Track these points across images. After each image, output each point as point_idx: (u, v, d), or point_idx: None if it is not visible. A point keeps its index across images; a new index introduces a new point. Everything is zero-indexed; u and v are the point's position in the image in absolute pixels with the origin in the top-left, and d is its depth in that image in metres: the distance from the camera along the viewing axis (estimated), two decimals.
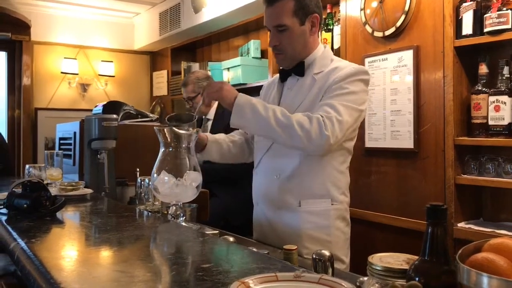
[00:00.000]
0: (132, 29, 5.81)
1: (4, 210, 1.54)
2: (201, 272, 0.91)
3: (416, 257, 0.85)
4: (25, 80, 5.17)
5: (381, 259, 1.03)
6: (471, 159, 2.26)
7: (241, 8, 3.82)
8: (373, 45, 2.69)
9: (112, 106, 2.83)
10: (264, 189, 1.75)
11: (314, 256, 1.10)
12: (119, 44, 5.74)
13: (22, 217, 1.47)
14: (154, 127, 1.49)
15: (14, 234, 1.25)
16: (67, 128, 2.97)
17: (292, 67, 1.71)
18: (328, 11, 3.08)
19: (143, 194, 1.87)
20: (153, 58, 5.95)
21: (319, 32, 3.03)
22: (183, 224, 1.48)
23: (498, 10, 2.09)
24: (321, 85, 1.63)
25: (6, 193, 1.60)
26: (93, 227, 1.45)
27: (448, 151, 2.29)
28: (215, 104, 3.04)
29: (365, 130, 2.70)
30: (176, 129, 1.46)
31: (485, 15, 2.14)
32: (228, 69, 4.14)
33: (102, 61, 5.56)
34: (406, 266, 0.96)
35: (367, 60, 2.69)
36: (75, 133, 2.77)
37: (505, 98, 2.10)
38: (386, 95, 2.60)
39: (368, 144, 2.69)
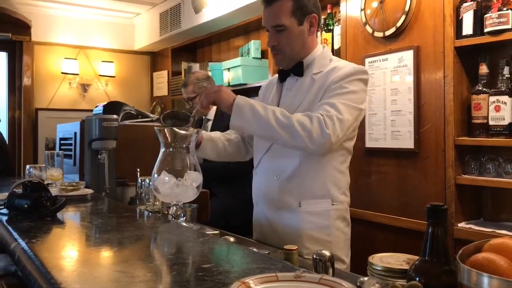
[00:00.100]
0: (132, 30, 5.81)
1: (5, 210, 1.55)
2: (201, 272, 0.91)
3: (417, 257, 0.85)
4: (26, 81, 5.17)
5: (381, 259, 1.03)
6: (471, 159, 2.26)
7: (241, 9, 3.82)
8: (373, 45, 2.69)
9: (112, 107, 2.82)
10: (264, 190, 1.75)
11: (314, 256, 1.10)
12: (119, 45, 5.75)
13: (22, 217, 1.47)
14: (155, 128, 1.49)
15: (15, 234, 1.25)
16: (68, 129, 2.97)
17: (291, 67, 1.71)
18: (329, 11, 3.08)
19: (143, 194, 1.87)
20: (153, 58, 5.95)
21: (320, 32, 3.06)
22: (184, 224, 1.48)
23: (498, 10, 2.09)
24: (320, 85, 1.63)
25: (6, 194, 1.60)
26: (93, 227, 1.45)
27: (448, 151, 2.29)
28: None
29: (365, 130, 2.70)
30: (177, 129, 1.46)
31: (485, 15, 2.14)
32: (228, 69, 4.14)
33: (102, 61, 5.56)
34: (406, 266, 0.96)
35: (367, 60, 2.69)
36: (75, 133, 2.77)
37: (505, 98, 2.10)
38: (386, 95, 2.60)
39: (369, 144, 2.69)
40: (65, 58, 5.33)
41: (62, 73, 5.33)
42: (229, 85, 4.13)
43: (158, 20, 5.16)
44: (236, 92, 4.43)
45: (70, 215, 1.62)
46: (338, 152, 1.66)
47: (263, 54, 4.07)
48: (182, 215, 1.50)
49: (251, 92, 3.86)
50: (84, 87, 5.51)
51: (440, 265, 0.80)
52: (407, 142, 2.49)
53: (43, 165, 2.31)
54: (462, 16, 2.24)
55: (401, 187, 2.54)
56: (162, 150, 1.47)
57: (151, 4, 5.21)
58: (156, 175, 1.43)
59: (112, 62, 5.60)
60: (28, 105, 5.20)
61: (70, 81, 5.41)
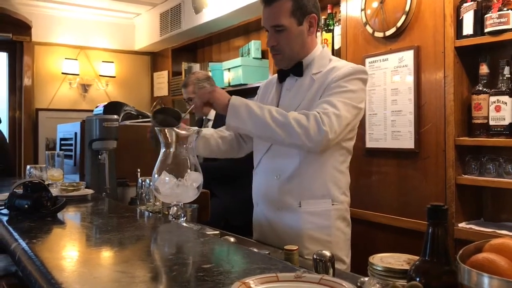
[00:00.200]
0: (132, 30, 5.82)
1: (5, 211, 1.55)
2: (202, 273, 0.91)
3: (417, 257, 0.86)
4: (26, 81, 5.18)
5: (382, 260, 1.03)
6: (471, 159, 2.26)
7: (241, 9, 3.82)
8: (373, 46, 2.69)
9: (113, 107, 2.83)
10: (264, 190, 1.75)
11: (315, 257, 1.10)
12: (119, 45, 5.75)
13: (23, 218, 1.47)
14: (155, 128, 1.49)
15: (15, 234, 1.25)
16: (68, 129, 2.98)
17: (291, 68, 1.71)
18: (329, 11, 3.08)
19: (144, 195, 1.87)
20: (153, 58, 5.96)
21: (320, 33, 3.06)
22: (184, 224, 1.48)
23: (498, 10, 2.09)
24: (320, 85, 1.63)
25: (7, 194, 1.60)
26: (94, 227, 1.45)
27: (448, 151, 2.29)
28: None
29: (365, 130, 2.70)
30: (177, 130, 1.46)
31: (485, 15, 2.14)
32: (228, 69, 4.14)
33: (103, 61, 5.56)
34: (406, 267, 0.96)
35: (367, 60, 2.69)
36: (76, 133, 2.77)
37: (505, 98, 2.10)
38: (386, 96, 2.60)
39: (369, 144, 2.69)
40: (65, 58, 5.33)
41: (63, 73, 5.33)
42: (229, 85, 4.13)
43: (158, 20, 5.16)
44: (237, 92, 4.45)
45: (71, 216, 1.62)
46: (338, 152, 1.66)
47: (264, 54, 4.07)
48: (183, 215, 1.50)
49: (252, 92, 3.86)
50: (85, 87, 5.52)
51: (440, 265, 0.80)
52: (407, 142, 2.49)
53: (44, 166, 2.31)
54: (462, 16, 2.24)
55: (401, 187, 2.54)
56: (162, 150, 1.47)
57: (152, 5, 5.22)
58: (156, 175, 1.43)
59: (112, 62, 5.60)
60: (28, 106, 5.21)
61: (71, 81, 5.41)
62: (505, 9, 2.08)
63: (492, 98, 2.13)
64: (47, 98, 5.32)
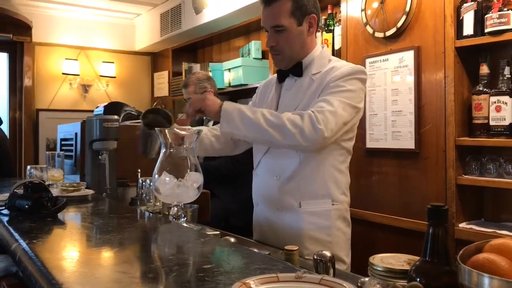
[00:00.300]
0: (133, 30, 5.82)
1: (6, 211, 1.55)
2: (202, 273, 0.91)
3: (417, 257, 0.86)
4: (27, 81, 5.18)
5: (382, 260, 1.03)
6: (472, 159, 2.26)
7: (242, 9, 3.82)
8: (374, 46, 2.69)
9: (113, 107, 2.83)
10: (264, 190, 1.75)
11: (315, 257, 1.10)
12: (120, 45, 5.75)
13: (23, 218, 1.47)
14: (156, 128, 1.49)
15: (16, 235, 1.25)
16: (68, 129, 2.98)
17: (290, 68, 1.71)
18: (329, 11, 3.08)
19: (144, 195, 1.87)
20: (154, 59, 5.96)
21: (320, 33, 3.06)
22: (184, 225, 1.48)
23: (499, 11, 2.09)
24: (319, 85, 1.63)
25: (7, 194, 1.60)
26: (94, 228, 1.45)
27: (449, 151, 2.29)
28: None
29: (366, 130, 2.70)
30: (177, 130, 1.46)
31: (486, 16, 2.14)
32: (229, 69, 4.14)
33: (103, 62, 5.56)
34: (407, 267, 0.96)
35: (368, 60, 2.69)
36: (76, 134, 2.77)
37: (506, 98, 2.10)
38: (387, 96, 2.60)
39: (369, 144, 2.69)
40: (65, 58, 5.33)
41: (63, 73, 5.33)
42: (229, 86, 4.13)
43: (158, 20, 5.16)
44: (237, 92, 4.43)
45: (71, 216, 1.62)
46: (337, 152, 1.66)
47: (264, 55, 4.07)
48: (183, 215, 1.50)
49: (252, 92, 3.83)
50: (85, 88, 5.52)
51: (441, 266, 0.80)
52: (407, 142, 2.49)
53: (44, 166, 2.31)
54: (462, 17, 2.24)
55: (401, 188, 2.54)
56: (162, 150, 1.47)
57: (152, 5, 5.22)
58: (156, 176, 1.43)
59: (112, 62, 5.60)
60: (29, 106, 5.21)
61: (71, 82, 5.42)
62: (505, 9, 2.08)
63: (493, 98, 2.13)
64: (47, 98, 5.32)
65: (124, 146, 2.42)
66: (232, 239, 1.49)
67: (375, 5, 2.64)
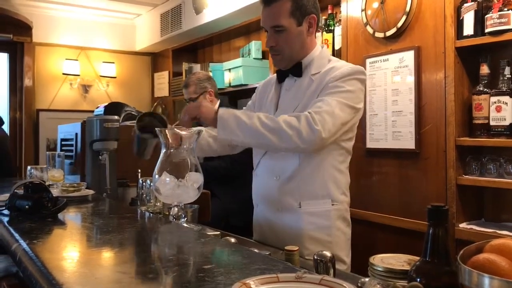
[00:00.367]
0: (133, 30, 5.82)
1: (6, 211, 1.55)
2: (202, 273, 0.91)
3: (418, 258, 0.86)
4: (27, 82, 5.18)
5: (382, 260, 1.03)
6: (472, 159, 2.26)
7: (242, 9, 3.82)
8: (374, 46, 2.69)
9: (113, 107, 2.83)
10: (264, 191, 1.75)
11: (315, 257, 1.10)
12: (120, 45, 5.75)
13: (24, 218, 1.47)
14: (156, 129, 1.49)
15: (16, 235, 1.25)
16: (69, 129, 2.98)
17: (290, 68, 1.71)
18: (329, 11, 3.08)
19: (144, 195, 1.87)
20: (154, 59, 5.96)
21: (320, 33, 3.06)
22: (185, 225, 1.48)
23: (499, 11, 2.09)
24: (318, 85, 1.63)
25: (8, 194, 1.60)
26: (94, 228, 1.45)
27: (449, 151, 2.29)
28: (216, 105, 3.04)
29: (366, 130, 2.70)
30: (178, 130, 1.46)
31: (486, 16, 2.14)
32: (229, 70, 4.14)
33: (103, 62, 5.56)
34: (407, 267, 0.96)
35: (368, 60, 2.69)
36: (76, 134, 2.78)
37: (506, 98, 2.10)
38: (387, 96, 2.60)
39: (369, 144, 2.69)
40: (66, 59, 5.33)
41: (63, 74, 5.33)
42: (230, 86, 4.13)
43: (159, 21, 5.16)
44: (237, 92, 4.43)
45: (71, 216, 1.62)
46: (337, 152, 1.66)
47: (264, 55, 4.07)
48: (183, 216, 1.50)
49: (252, 92, 3.83)
50: (85, 88, 5.52)
51: (441, 266, 0.80)
52: (408, 142, 2.49)
53: (44, 166, 2.31)
54: (463, 17, 2.24)
55: (402, 188, 2.54)
56: (163, 151, 1.47)
57: (152, 5, 5.22)
58: (157, 176, 1.43)
59: (113, 63, 5.60)
60: (29, 106, 5.21)
61: (71, 82, 5.42)
62: (505, 9, 2.08)
63: (493, 99, 2.13)
64: (47, 98, 5.32)
65: (125, 146, 2.42)
66: (232, 239, 1.49)
67: (375, 5, 2.64)
